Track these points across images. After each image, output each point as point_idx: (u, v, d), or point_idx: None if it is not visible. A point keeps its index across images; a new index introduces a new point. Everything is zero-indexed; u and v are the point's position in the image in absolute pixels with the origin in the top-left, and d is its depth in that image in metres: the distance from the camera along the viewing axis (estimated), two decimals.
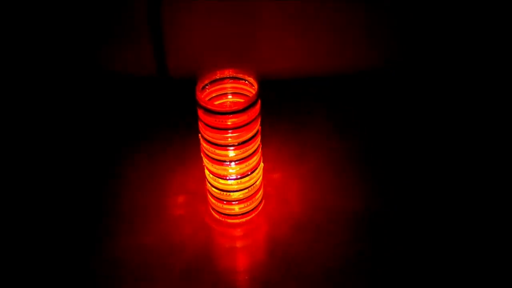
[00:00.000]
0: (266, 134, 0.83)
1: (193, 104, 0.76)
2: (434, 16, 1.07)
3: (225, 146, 0.77)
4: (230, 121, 0.74)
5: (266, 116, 0.81)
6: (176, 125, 1.03)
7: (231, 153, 0.78)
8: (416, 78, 1.12)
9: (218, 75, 0.78)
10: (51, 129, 1.03)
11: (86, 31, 1.08)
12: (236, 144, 0.76)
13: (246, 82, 0.78)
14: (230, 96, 0.79)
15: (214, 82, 0.78)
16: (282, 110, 1.05)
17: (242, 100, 0.77)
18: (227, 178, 0.80)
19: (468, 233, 0.83)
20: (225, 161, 0.78)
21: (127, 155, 0.97)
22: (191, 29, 1.08)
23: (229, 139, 0.76)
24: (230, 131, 0.75)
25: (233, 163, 0.78)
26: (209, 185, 0.84)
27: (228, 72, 0.78)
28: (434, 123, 1.03)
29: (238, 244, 0.86)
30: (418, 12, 1.06)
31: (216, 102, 0.79)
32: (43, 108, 1.07)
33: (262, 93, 0.76)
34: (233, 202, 0.83)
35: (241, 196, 0.82)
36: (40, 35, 1.08)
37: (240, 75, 0.78)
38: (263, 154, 0.84)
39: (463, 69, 1.11)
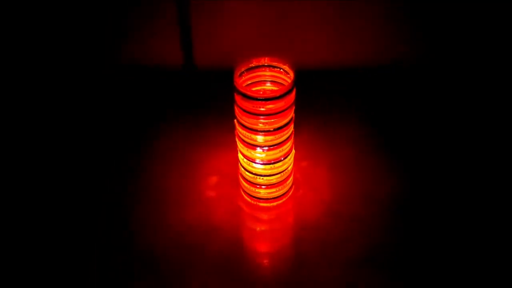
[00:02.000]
0: (298, 123, 0.86)
1: (222, 93, 0.78)
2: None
3: (259, 131, 0.80)
4: (266, 107, 0.76)
5: (299, 106, 0.83)
6: (207, 112, 1.06)
7: (266, 139, 0.80)
8: (447, 72, 1.13)
9: (255, 63, 0.81)
10: (85, 118, 1.06)
11: (114, 23, 1.11)
12: (272, 130, 0.79)
13: (281, 70, 0.81)
14: (268, 84, 0.82)
15: (250, 69, 0.81)
16: (314, 101, 1.07)
17: (276, 88, 0.80)
18: (261, 162, 0.83)
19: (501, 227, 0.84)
20: (259, 146, 0.81)
21: (163, 138, 1.01)
22: (220, 23, 1.10)
23: (262, 125, 0.78)
24: (264, 116, 0.78)
25: (266, 148, 0.81)
26: (242, 169, 0.87)
27: (264, 60, 0.81)
28: (463, 115, 1.04)
29: (268, 227, 0.89)
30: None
31: (253, 89, 0.82)
32: (74, 100, 1.10)
33: (297, 83, 0.78)
34: (264, 186, 0.86)
35: (273, 180, 0.85)
36: (66, 28, 1.10)
37: (276, 63, 0.81)
38: (294, 142, 0.86)
39: (487, 64, 1.12)
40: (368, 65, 1.14)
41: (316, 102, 1.07)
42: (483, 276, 0.78)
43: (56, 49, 1.13)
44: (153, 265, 0.80)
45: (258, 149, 0.82)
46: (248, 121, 0.79)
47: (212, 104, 1.06)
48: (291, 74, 0.79)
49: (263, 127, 0.79)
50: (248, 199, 0.89)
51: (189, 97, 1.11)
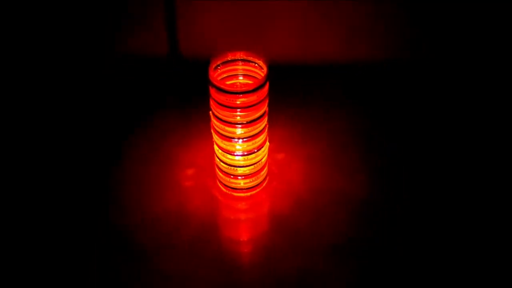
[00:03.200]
0: (274, 116, 0.89)
1: (204, 84, 0.81)
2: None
3: (234, 124, 0.82)
4: (239, 101, 0.79)
5: (274, 99, 0.86)
6: (188, 102, 1.08)
7: (239, 131, 0.83)
8: (426, 71, 1.16)
9: (230, 57, 0.83)
10: (63, 108, 1.08)
11: (99, 12, 1.12)
12: (245, 122, 0.82)
13: (256, 65, 0.83)
14: (241, 78, 0.84)
15: (226, 63, 0.84)
16: (290, 94, 1.10)
17: (251, 82, 0.82)
18: (235, 154, 0.86)
19: (471, 223, 0.87)
20: (233, 138, 0.84)
21: (140, 130, 1.03)
22: (205, 10, 1.11)
23: (238, 118, 0.81)
24: (239, 110, 0.80)
25: (240, 140, 0.84)
26: (217, 160, 0.90)
27: (239, 55, 0.84)
28: (442, 111, 1.07)
29: (242, 216, 0.92)
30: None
31: (227, 82, 0.84)
32: (57, 88, 1.11)
33: (271, 77, 0.81)
34: (239, 177, 0.89)
35: (247, 171, 0.88)
36: (52, 17, 1.11)
37: (251, 58, 0.83)
38: (270, 135, 0.89)
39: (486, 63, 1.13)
40: (348, 60, 1.17)
41: (296, 96, 1.10)
42: (447, 266, 0.82)
43: (39, 39, 1.14)
44: (128, 246, 0.84)
45: (233, 141, 0.84)
46: (222, 113, 0.82)
47: (195, 94, 1.07)
48: (265, 69, 0.81)
49: (237, 119, 0.82)
50: (224, 189, 0.92)
51: (172, 87, 1.13)
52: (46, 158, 0.98)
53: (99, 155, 0.99)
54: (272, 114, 0.87)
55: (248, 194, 0.91)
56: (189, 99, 1.10)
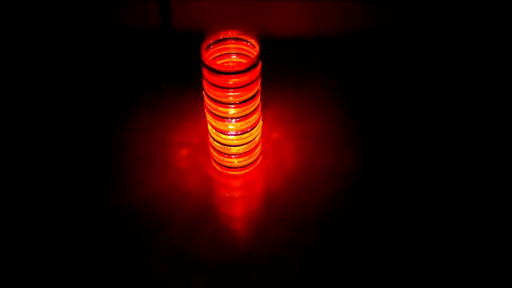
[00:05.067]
0: (268, 94, 0.89)
1: (197, 59, 0.80)
2: None
3: (227, 104, 0.82)
4: (232, 81, 0.79)
5: (268, 76, 0.86)
6: (181, 79, 1.07)
7: (232, 111, 0.83)
8: (421, 42, 1.14)
9: (222, 35, 0.83)
10: (54, 83, 1.07)
11: None
12: (237, 102, 0.82)
13: (248, 43, 0.83)
14: (234, 57, 0.84)
15: (218, 42, 0.83)
16: (284, 71, 1.10)
17: (244, 61, 0.82)
18: (228, 133, 0.86)
19: (457, 198, 0.88)
20: (226, 118, 0.84)
21: (132, 108, 1.02)
22: None
23: (231, 98, 0.81)
24: (231, 90, 0.80)
25: (233, 120, 0.84)
26: (211, 139, 0.90)
27: (231, 33, 0.83)
28: (433, 87, 1.06)
29: (237, 194, 0.93)
30: None
31: (220, 62, 0.84)
32: (49, 63, 1.10)
33: (264, 54, 0.80)
34: (233, 156, 0.90)
35: (240, 150, 0.89)
36: None
37: (243, 37, 0.83)
38: (264, 114, 0.89)
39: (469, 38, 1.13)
40: (342, 35, 1.15)
41: (292, 73, 1.09)
42: (427, 251, 0.83)
43: (29, 10, 1.11)
44: (123, 229, 0.85)
45: (226, 121, 0.85)
46: (215, 93, 0.82)
47: (188, 70, 1.05)
48: (257, 48, 0.81)
49: (230, 100, 0.82)
50: (218, 168, 0.93)
51: (165, 61, 1.12)
52: (33, 141, 0.97)
53: (90, 136, 0.98)
54: (267, 91, 0.86)
55: (242, 172, 0.92)
56: (182, 76, 1.09)
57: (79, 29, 1.15)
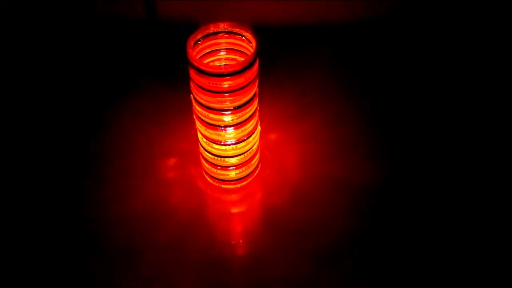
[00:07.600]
0: (263, 89, 0.75)
1: (184, 54, 0.67)
2: None
3: (220, 110, 0.70)
4: (226, 84, 0.66)
5: (264, 67, 0.72)
6: (168, 76, 0.95)
7: (227, 118, 0.71)
8: (427, 31, 1.03)
9: (212, 29, 0.70)
10: (32, 78, 0.96)
11: None
12: (232, 108, 0.69)
13: (243, 38, 0.70)
14: (223, 53, 0.71)
15: (207, 36, 0.70)
16: (280, 60, 0.97)
17: (240, 58, 0.69)
18: (222, 143, 0.74)
19: (474, 213, 0.78)
20: (219, 126, 0.72)
21: (114, 108, 0.91)
22: None
23: (226, 103, 0.69)
24: (225, 94, 0.67)
25: (228, 129, 0.72)
26: (202, 149, 0.78)
27: (223, 26, 0.70)
28: (440, 81, 0.96)
29: (232, 210, 0.82)
30: None
31: (209, 59, 0.71)
32: (32, 53, 0.99)
33: (260, 47, 0.67)
34: (230, 168, 0.78)
35: (236, 162, 0.77)
36: None
37: (237, 30, 0.70)
38: (260, 113, 0.77)
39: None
40: (344, 22, 1.03)
41: (283, 62, 0.97)
42: (456, 261, 0.74)
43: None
44: (103, 245, 0.75)
45: (218, 129, 0.72)
46: (205, 98, 0.69)
47: (174, 67, 0.93)
48: (254, 43, 0.68)
49: (223, 106, 0.69)
50: (210, 180, 0.81)
51: (150, 55, 1.00)
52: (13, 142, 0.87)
53: (69, 143, 0.87)
54: (260, 85, 0.74)
55: (238, 185, 0.81)
56: (169, 74, 0.96)
57: (62, 20, 1.04)
